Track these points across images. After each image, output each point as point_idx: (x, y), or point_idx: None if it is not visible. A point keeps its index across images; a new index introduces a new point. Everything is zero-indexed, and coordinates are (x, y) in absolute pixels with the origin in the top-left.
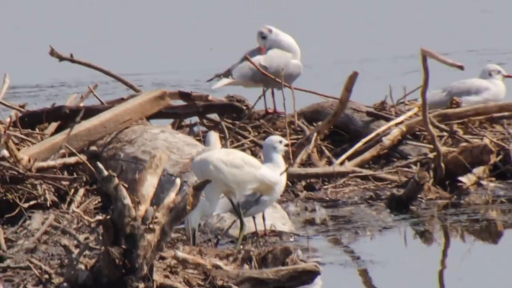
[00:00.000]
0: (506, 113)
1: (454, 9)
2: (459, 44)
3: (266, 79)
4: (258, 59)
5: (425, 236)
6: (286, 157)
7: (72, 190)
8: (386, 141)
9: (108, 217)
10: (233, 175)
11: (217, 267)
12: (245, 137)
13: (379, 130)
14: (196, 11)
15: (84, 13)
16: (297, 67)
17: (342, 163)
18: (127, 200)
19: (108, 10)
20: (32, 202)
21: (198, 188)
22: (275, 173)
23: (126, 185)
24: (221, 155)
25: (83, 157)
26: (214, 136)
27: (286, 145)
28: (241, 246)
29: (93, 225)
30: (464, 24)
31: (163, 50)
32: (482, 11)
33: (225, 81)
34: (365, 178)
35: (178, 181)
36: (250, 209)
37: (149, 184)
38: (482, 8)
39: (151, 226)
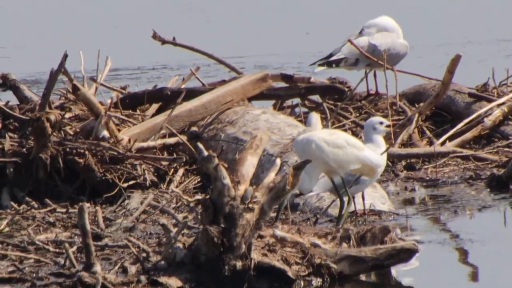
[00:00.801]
0: None
1: None
2: None
3: (370, 61)
4: (364, 40)
5: None
6: (387, 138)
7: (172, 170)
8: (488, 121)
9: (208, 196)
10: (335, 155)
11: (315, 245)
12: (347, 118)
13: (481, 111)
14: None
15: None
16: (404, 46)
17: (443, 144)
18: (227, 180)
19: None
20: (131, 182)
21: (298, 168)
22: (376, 154)
23: (226, 165)
24: (324, 135)
25: (183, 138)
26: (315, 117)
27: (388, 126)
28: (341, 224)
29: (192, 204)
30: None
31: (266, 34)
32: None
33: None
34: (465, 158)
35: (278, 161)
36: (350, 188)
37: (249, 164)
38: None
39: (250, 205)
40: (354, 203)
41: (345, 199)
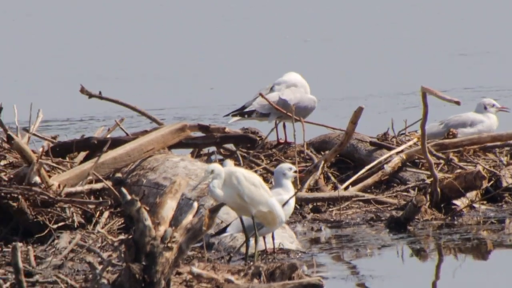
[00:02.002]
0: (498, 143)
1: (451, 51)
2: (455, 82)
3: (281, 114)
4: (275, 95)
5: (420, 253)
6: (295, 183)
7: (98, 213)
8: (388, 168)
9: (130, 236)
10: (249, 190)
11: (229, 281)
12: (258, 165)
13: (381, 158)
14: (208, 53)
15: (111, 51)
16: (312, 101)
17: (346, 188)
18: (148, 222)
19: (132, 49)
20: (60, 224)
21: (213, 211)
22: (280, 208)
23: (148, 208)
24: (244, 171)
25: (109, 183)
26: (229, 164)
27: (295, 172)
28: (252, 262)
29: (116, 244)
30: (461, 64)
31: (184, 87)
32: (482, 52)
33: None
34: (367, 201)
35: (195, 204)
36: (260, 229)
37: (169, 207)
38: (483, 49)
39: (169, 244)
40: (265, 242)
41: (252, 239)
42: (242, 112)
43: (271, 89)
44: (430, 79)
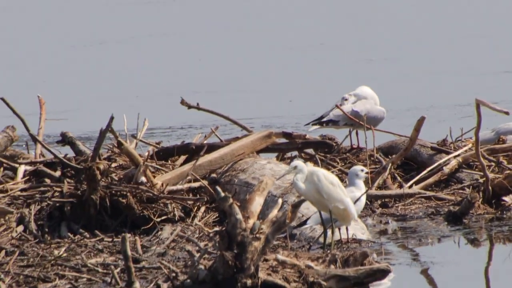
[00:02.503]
0: None
1: (500, 66)
2: (506, 94)
3: (354, 123)
4: (348, 107)
5: (474, 243)
6: (366, 182)
7: (195, 208)
8: (446, 169)
9: (224, 228)
10: (328, 188)
11: (309, 267)
12: (334, 167)
13: (441, 161)
14: (286, 70)
15: (201, 67)
16: (381, 112)
17: (410, 187)
18: (239, 215)
19: (226, 64)
20: (163, 217)
21: (295, 206)
22: (354, 208)
23: (239, 204)
24: (324, 171)
25: (205, 182)
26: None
27: (367, 173)
28: (329, 250)
29: (211, 235)
30: (508, 79)
31: (268, 99)
32: None
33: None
34: (428, 198)
35: (280, 200)
36: (336, 222)
37: (257, 203)
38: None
39: (257, 235)
40: (340, 233)
41: (329, 231)
42: (320, 122)
43: (344, 100)
44: (482, 92)
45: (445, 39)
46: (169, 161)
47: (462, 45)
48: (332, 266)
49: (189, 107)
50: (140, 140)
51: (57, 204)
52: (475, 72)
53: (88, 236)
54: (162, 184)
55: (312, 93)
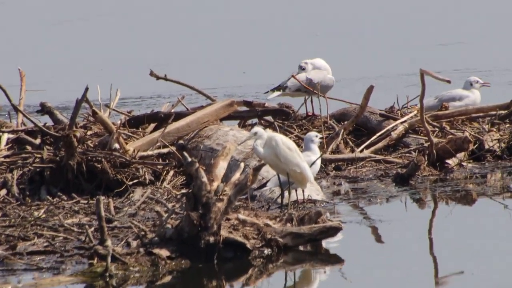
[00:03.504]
0: (481, 114)
1: (446, 39)
2: (448, 64)
3: (308, 90)
4: (303, 76)
5: (420, 202)
6: (320, 147)
7: (164, 172)
8: (394, 135)
9: (190, 190)
10: (285, 152)
11: (267, 225)
12: (291, 133)
13: (389, 127)
14: (238, 43)
15: (169, 41)
16: (332, 80)
17: (361, 151)
18: (204, 179)
19: (184, 38)
20: (135, 181)
21: (256, 169)
22: (310, 171)
23: (204, 168)
24: (282, 136)
25: (173, 148)
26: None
27: (321, 138)
28: (286, 210)
29: (178, 196)
30: (454, 50)
31: (231, 71)
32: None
33: (276, 92)
34: (378, 161)
35: (242, 164)
36: (293, 184)
37: (221, 167)
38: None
39: (221, 197)
40: (297, 194)
41: (286, 192)
42: (278, 87)
43: (301, 70)
44: (426, 62)
45: (390, 15)
46: (140, 129)
47: (406, 20)
48: (289, 224)
49: (158, 78)
50: (113, 109)
51: (38, 169)
52: (418, 44)
53: (65, 198)
54: (134, 150)
55: (270, 65)
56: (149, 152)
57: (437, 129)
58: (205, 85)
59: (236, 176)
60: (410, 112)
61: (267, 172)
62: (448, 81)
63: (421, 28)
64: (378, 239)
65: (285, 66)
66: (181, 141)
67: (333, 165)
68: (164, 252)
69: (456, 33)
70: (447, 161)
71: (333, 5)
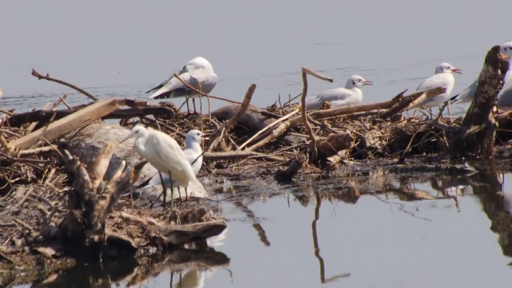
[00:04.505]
0: (363, 112)
1: (325, 39)
2: (330, 63)
3: (191, 90)
4: (187, 75)
5: (302, 199)
6: (202, 145)
7: (46, 170)
8: (275, 132)
9: (72, 188)
10: (166, 150)
11: (151, 223)
12: (173, 131)
13: (270, 125)
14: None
15: (52, 41)
16: (215, 78)
17: (243, 149)
18: (86, 177)
19: (67, 39)
20: (17, 179)
21: (138, 167)
22: (192, 170)
23: (86, 166)
24: (163, 134)
25: (55, 146)
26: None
27: (202, 136)
28: (169, 208)
29: (61, 194)
30: (332, 49)
31: (114, 69)
32: (336, 43)
33: (159, 91)
34: (259, 159)
35: (123, 162)
36: (175, 182)
37: (102, 165)
38: (337, 40)
39: (103, 195)
40: (179, 192)
41: (169, 190)
42: (161, 94)
43: (184, 70)
44: (308, 61)
45: (271, 15)
46: (22, 127)
47: (287, 21)
48: (172, 222)
49: (40, 77)
50: None
51: None
52: (299, 44)
53: None
54: (15, 148)
55: (150, 64)
56: (31, 150)
57: (318, 127)
58: (87, 84)
59: (118, 174)
60: (292, 111)
61: (149, 170)
62: (330, 80)
63: (300, 28)
64: (263, 236)
65: (166, 65)
66: (62, 139)
67: (215, 162)
68: (49, 251)
69: (334, 34)
70: (329, 158)
71: (213, 6)
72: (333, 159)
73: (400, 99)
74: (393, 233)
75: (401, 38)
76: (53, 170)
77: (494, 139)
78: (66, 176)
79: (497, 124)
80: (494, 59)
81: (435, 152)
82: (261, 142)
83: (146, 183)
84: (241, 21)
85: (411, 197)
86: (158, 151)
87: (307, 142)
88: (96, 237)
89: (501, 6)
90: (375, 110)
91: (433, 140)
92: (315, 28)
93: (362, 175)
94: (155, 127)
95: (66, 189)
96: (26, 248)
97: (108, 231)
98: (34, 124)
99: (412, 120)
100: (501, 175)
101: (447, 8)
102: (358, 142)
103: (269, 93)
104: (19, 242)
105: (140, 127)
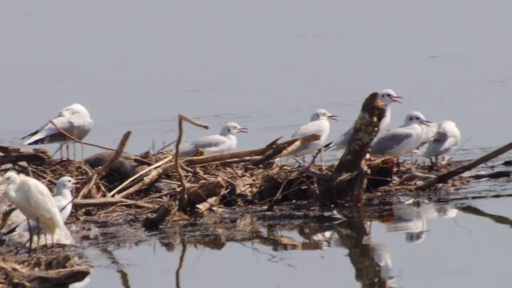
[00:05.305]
0: (236, 159)
1: (201, 86)
2: (206, 110)
3: (66, 137)
4: (64, 119)
5: (169, 246)
6: (73, 192)
7: None
8: (147, 179)
9: None
10: (37, 197)
11: (15, 269)
12: (44, 178)
13: (142, 172)
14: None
15: None
16: (91, 124)
17: (113, 196)
18: None
19: None
20: None
21: (6, 214)
22: (62, 220)
23: None
24: (35, 181)
25: None
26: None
27: (73, 183)
28: (35, 254)
29: None
30: (214, 96)
31: None
32: (213, 90)
33: (34, 138)
34: (129, 206)
35: None
36: (42, 229)
37: None
38: (213, 87)
39: None
40: (46, 239)
41: (36, 236)
42: (36, 141)
43: (60, 115)
44: (184, 108)
45: (150, 62)
46: None
47: (162, 68)
48: (36, 269)
49: None
50: None
51: None
52: (174, 91)
53: None
54: None
55: (26, 109)
56: None
57: (190, 174)
58: None
59: None
60: (165, 158)
61: (17, 217)
62: (206, 127)
63: (177, 75)
64: (124, 282)
65: (43, 111)
66: None
67: (84, 209)
68: None
69: (209, 80)
70: (198, 205)
71: (79, 52)
72: (202, 206)
73: (274, 146)
74: (253, 281)
75: (278, 85)
76: None
77: (365, 186)
78: None
79: (369, 171)
80: (371, 106)
81: (305, 200)
82: (131, 189)
83: (13, 230)
84: (118, 66)
85: (277, 244)
86: (28, 198)
87: (178, 189)
88: None
89: (380, 53)
90: (248, 157)
91: (303, 187)
92: (192, 74)
93: (230, 222)
94: (27, 174)
95: None
96: None
97: None
98: None
99: (285, 167)
100: (368, 222)
101: (327, 55)
102: (228, 189)
103: (145, 140)
104: None
105: (11, 173)
